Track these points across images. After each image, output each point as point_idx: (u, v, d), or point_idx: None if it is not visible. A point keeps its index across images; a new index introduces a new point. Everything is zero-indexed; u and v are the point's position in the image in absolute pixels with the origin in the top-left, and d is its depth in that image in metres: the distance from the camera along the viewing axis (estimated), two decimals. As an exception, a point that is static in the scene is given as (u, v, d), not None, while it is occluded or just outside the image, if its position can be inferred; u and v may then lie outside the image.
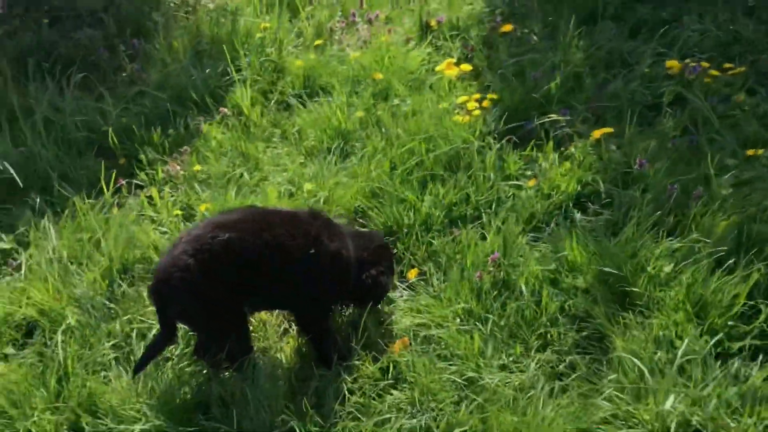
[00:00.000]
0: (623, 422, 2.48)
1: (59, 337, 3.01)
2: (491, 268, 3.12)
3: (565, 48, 4.51)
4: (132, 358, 3.02)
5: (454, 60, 4.74)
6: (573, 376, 2.69)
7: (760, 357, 2.62)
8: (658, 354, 2.64)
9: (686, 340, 2.64)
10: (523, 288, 3.00)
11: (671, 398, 2.44)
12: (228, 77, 4.71)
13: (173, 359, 2.98)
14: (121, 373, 2.94)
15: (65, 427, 2.77)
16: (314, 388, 2.76)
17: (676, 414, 2.40)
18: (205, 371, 2.90)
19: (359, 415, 2.66)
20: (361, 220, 3.62)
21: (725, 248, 2.91)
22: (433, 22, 5.33)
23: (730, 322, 2.72)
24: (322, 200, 3.66)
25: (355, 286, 2.92)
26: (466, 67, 4.66)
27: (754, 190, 3.19)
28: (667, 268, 2.95)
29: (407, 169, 3.72)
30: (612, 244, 3.08)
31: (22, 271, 3.48)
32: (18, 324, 3.25)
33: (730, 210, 3.06)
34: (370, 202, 3.62)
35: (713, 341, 2.66)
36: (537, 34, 4.89)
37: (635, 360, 2.60)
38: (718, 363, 2.60)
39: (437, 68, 4.69)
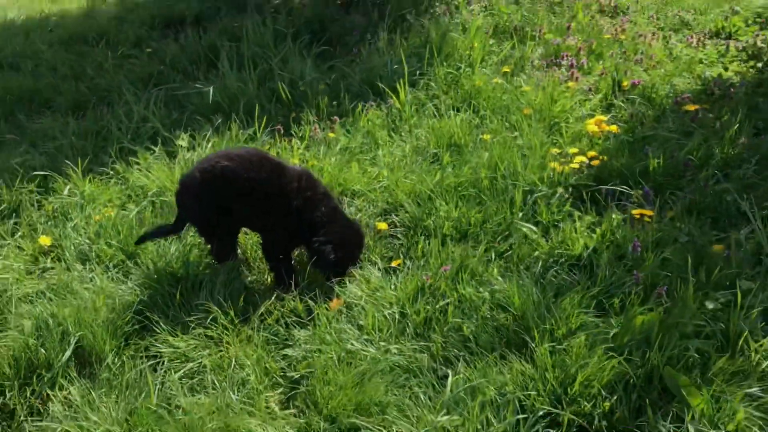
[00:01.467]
0: (403, 418, 2.81)
1: (144, 203, 4.27)
2: (438, 276, 3.50)
3: (713, 139, 4.39)
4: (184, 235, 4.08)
5: (606, 119, 4.88)
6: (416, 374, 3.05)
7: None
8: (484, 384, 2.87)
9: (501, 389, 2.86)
10: (444, 300, 3.36)
11: (442, 415, 2.72)
12: (412, 78, 5.49)
13: (200, 246, 3.98)
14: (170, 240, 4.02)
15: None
16: (249, 298, 3.51)
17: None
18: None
19: (261, 329, 3.35)
20: (397, 210, 4.18)
21: (621, 335, 2.94)
22: (626, 83, 5.43)
23: (579, 399, 2.79)
24: (383, 184, 4.31)
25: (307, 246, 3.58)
26: (614, 128, 4.77)
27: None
28: (577, 341, 3.04)
29: (461, 184, 4.16)
30: (545, 299, 3.23)
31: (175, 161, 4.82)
32: (146, 191, 4.57)
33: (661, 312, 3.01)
34: (411, 199, 4.16)
35: (548, 406, 2.79)
36: (720, 121, 4.71)
37: (448, 382, 2.90)
38: (540, 425, 2.75)
39: (586, 121, 4.89)
